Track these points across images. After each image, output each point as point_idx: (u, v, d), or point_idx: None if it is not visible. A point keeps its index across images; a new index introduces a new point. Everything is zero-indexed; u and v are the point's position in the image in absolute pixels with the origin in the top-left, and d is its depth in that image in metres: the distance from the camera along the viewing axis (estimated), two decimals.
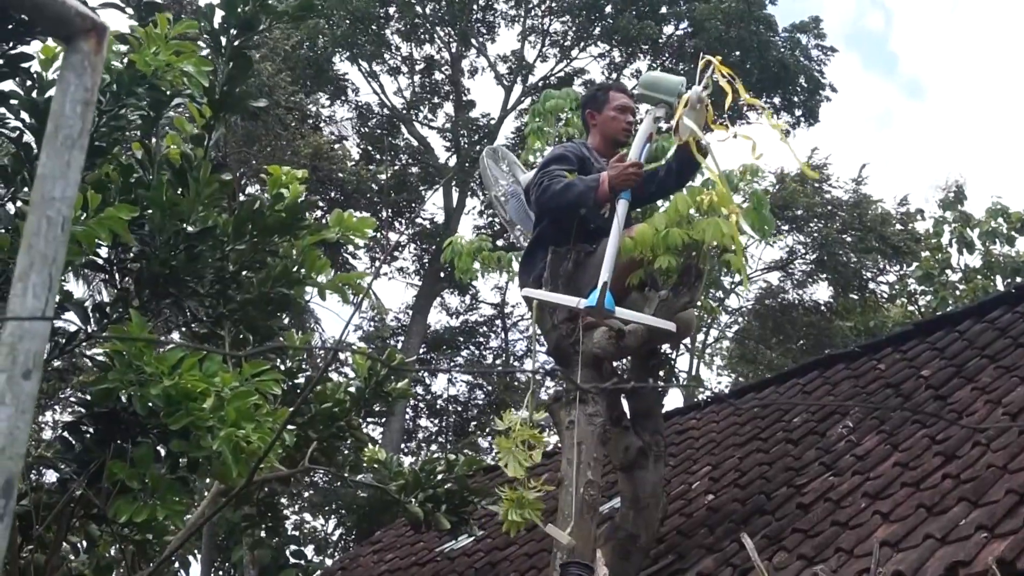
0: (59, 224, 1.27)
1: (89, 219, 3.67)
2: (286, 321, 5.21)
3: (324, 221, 5.10)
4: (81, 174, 3.92)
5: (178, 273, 4.29)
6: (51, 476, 4.84)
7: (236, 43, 4.41)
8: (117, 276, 4.65)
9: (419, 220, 23.57)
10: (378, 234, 22.16)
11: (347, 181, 20.26)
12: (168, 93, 4.27)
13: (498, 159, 6.11)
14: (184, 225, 4.30)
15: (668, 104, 5.30)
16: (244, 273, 4.64)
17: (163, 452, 4.18)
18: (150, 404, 3.85)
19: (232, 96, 4.43)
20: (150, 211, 4.23)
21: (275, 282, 4.66)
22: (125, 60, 4.22)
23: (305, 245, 4.75)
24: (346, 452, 6.34)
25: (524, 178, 5.96)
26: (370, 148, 23.07)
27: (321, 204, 19.80)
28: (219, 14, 4.42)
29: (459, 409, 23.40)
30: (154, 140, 4.43)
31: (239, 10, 4.36)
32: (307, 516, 19.81)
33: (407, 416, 22.15)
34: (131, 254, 4.43)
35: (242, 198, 4.66)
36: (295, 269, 4.75)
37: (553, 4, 23.29)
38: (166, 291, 4.37)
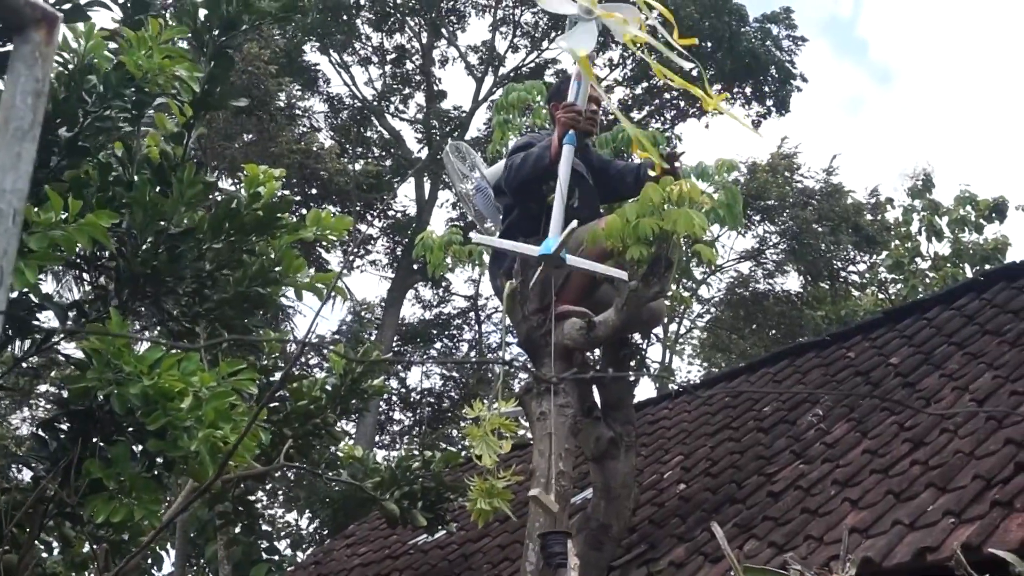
0: (10, 216, 1.25)
1: (69, 224, 3.63)
2: (261, 317, 5.17)
3: (301, 214, 5.08)
4: (62, 173, 3.86)
5: (159, 273, 4.26)
6: (27, 475, 4.79)
7: (219, 42, 4.38)
8: (93, 274, 4.60)
9: (391, 212, 23.49)
10: (351, 228, 22.04)
11: (331, 180, 20.21)
12: (152, 94, 4.23)
13: (461, 155, 6.11)
14: (166, 225, 4.27)
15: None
16: (221, 272, 4.61)
17: (138, 451, 4.14)
18: (128, 403, 3.81)
19: (213, 95, 4.40)
20: (130, 211, 4.19)
21: (251, 281, 4.64)
22: (114, 61, 4.16)
23: (282, 244, 4.72)
24: (320, 449, 6.32)
25: (488, 172, 5.98)
26: (342, 140, 22.97)
27: (297, 199, 19.72)
28: (202, 12, 4.39)
29: (432, 401, 23.39)
30: (136, 139, 4.38)
31: (223, 9, 4.34)
32: (281, 511, 19.77)
33: (381, 409, 22.11)
34: (107, 252, 4.39)
35: (218, 195, 4.62)
36: (272, 269, 4.73)
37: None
38: (145, 290, 4.34)
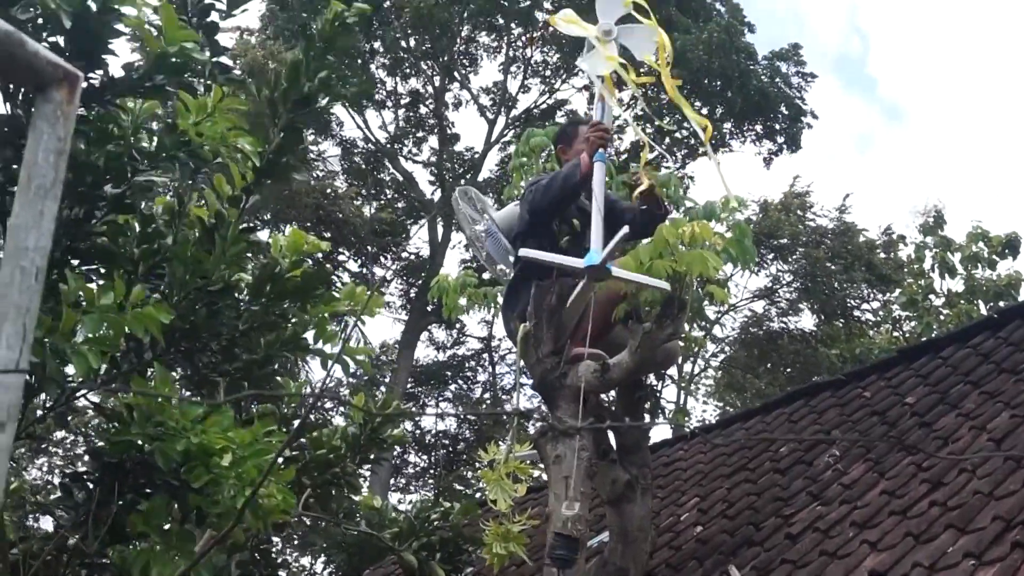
0: (32, 274, 1.27)
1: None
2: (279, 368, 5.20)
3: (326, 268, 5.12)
4: (100, 224, 3.84)
5: (197, 329, 4.28)
6: (44, 522, 4.77)
7: (291, 115, 4.43)
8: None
9: (404, 255, 23.59)
10: (364, 270, 22.22)
11: (346, 223, 20.35)
12: (210, 158, 4.24)
13: (470, 200, 6.15)
14: (206, 282, 4.28)
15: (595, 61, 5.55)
16: (252, 332, 4.63)
17: (173, 503, 4.13)
18: (171, 459, 3.81)
19: (278, 165, 4.44)
20: (171, 265, 4.21)
21: (283, 346, 4.66)
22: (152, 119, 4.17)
23: (318, 314, 4.74)
24: (339, 498, 6.29)
25: (499, 215, 6.01)
26: (356, 183, 23.13)
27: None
28: (281, 84, 4.45)
29: (447, 444, 23.32)
30: (187, 195, 4.40)
31: (302, 85, 4.40)
32: (295, 554, 19.68)
33: (395, 452, 22.05)
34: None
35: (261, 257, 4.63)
36: (304, 336, 4.75)
37: (534, 35, 23.48)
38: (180, 345, 4.36)
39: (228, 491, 3.75)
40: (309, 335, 4.80)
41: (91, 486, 4.07)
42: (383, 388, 21.43)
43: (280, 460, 4.34)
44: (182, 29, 3.93)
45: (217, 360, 4.49)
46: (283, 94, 4.41)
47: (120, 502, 3.99)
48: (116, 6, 3.74)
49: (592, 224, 5.14)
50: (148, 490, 4.03)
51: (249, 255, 4.43)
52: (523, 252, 5.37)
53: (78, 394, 4.31)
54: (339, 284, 5.06)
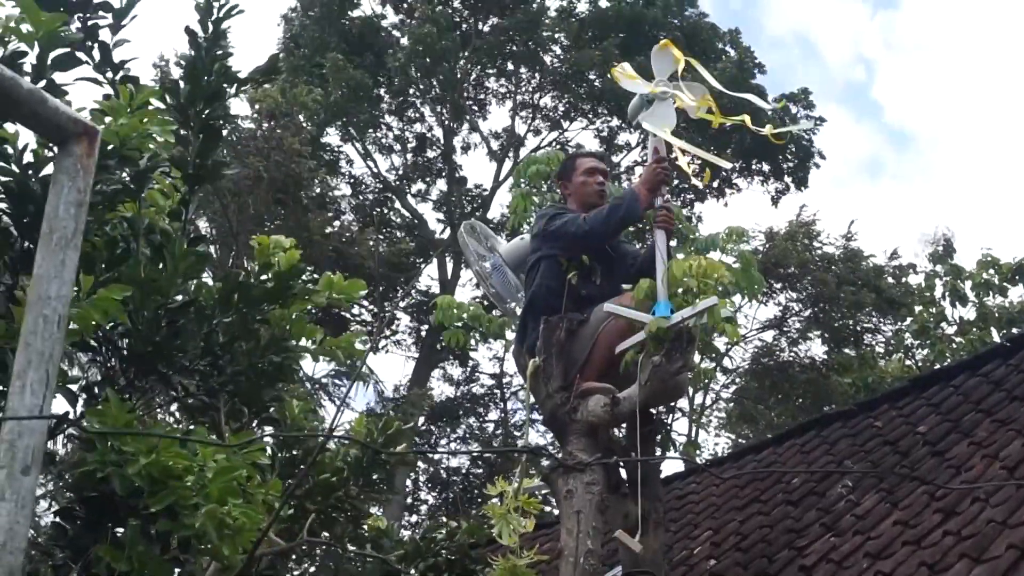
0: (55, 322, 1.31)
1: (82, 302, 3.67)
2: (280, 389, 5.16)
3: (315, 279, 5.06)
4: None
5: (162, 350, 4.27)
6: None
7: (204, 115, 4.43)
8: (108, 354, 4.63)
9: (414, 292, 23.64)
10: (374, 308, 22.27)
11: (361, 264, 20.44)
12: (145, 162, 4.25)
13: (476, 234, 6.20)
14: (164, 301, 4.29)
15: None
16: (235, 343, 4.62)
17: (153, 532, 4.13)
18: (135, 484, 3.80)
19: (205, 168, 4.44)
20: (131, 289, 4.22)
21: (265, 350, 4.64)
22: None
23: (294, 313, 4.72)
24: (344, 523, 6.27)
25: (505, 249, 6.06)
26: (364, 222, 23.24)
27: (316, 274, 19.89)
28: (184, 88, 4.45)
29: (458, 480, 23.23)
30: (137, 213, 4.41)
31: (203, 82, 4.39)
32: None
33: (408, 489, 21.99)
34: (117, 330, 4.42)
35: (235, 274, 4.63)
36: (284, 337, 4.72)
37: (543, 80, 23.67)
38: (151, 368, 4.35)
39: (191, 514, 3.71)
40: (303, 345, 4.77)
41: (79, 522, 4.05)
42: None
43: (274, 475, 4.32)
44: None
45: (202, 376, 4.47)
46: (188, 95, 4.40)
47: (107, 536, 3.97)
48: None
49: (658, 276, 5.16)
50: (132, 520, 4.01)
51: (200, 268, 4.40)
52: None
53: (57, 431, 4.30)
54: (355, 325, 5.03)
